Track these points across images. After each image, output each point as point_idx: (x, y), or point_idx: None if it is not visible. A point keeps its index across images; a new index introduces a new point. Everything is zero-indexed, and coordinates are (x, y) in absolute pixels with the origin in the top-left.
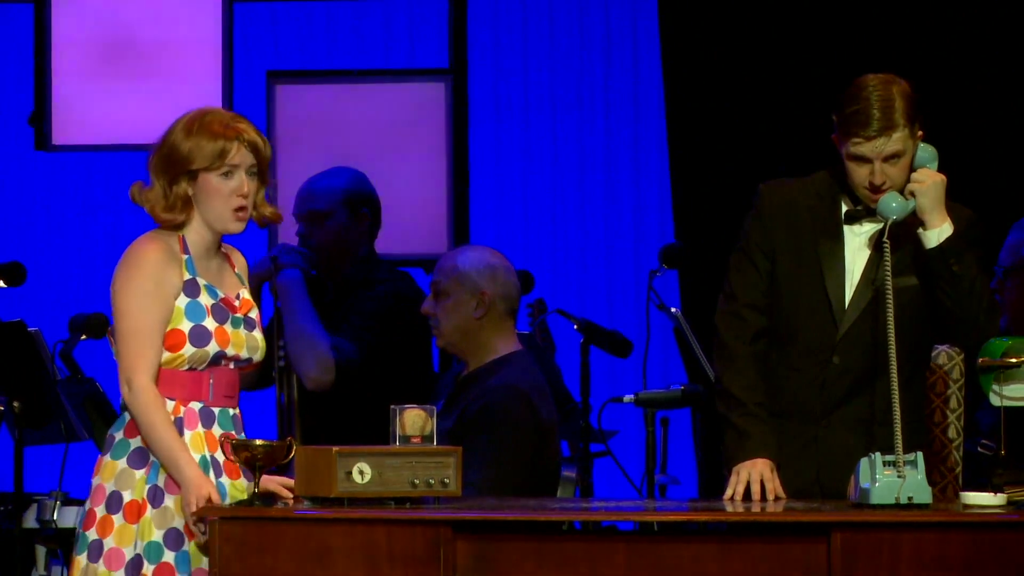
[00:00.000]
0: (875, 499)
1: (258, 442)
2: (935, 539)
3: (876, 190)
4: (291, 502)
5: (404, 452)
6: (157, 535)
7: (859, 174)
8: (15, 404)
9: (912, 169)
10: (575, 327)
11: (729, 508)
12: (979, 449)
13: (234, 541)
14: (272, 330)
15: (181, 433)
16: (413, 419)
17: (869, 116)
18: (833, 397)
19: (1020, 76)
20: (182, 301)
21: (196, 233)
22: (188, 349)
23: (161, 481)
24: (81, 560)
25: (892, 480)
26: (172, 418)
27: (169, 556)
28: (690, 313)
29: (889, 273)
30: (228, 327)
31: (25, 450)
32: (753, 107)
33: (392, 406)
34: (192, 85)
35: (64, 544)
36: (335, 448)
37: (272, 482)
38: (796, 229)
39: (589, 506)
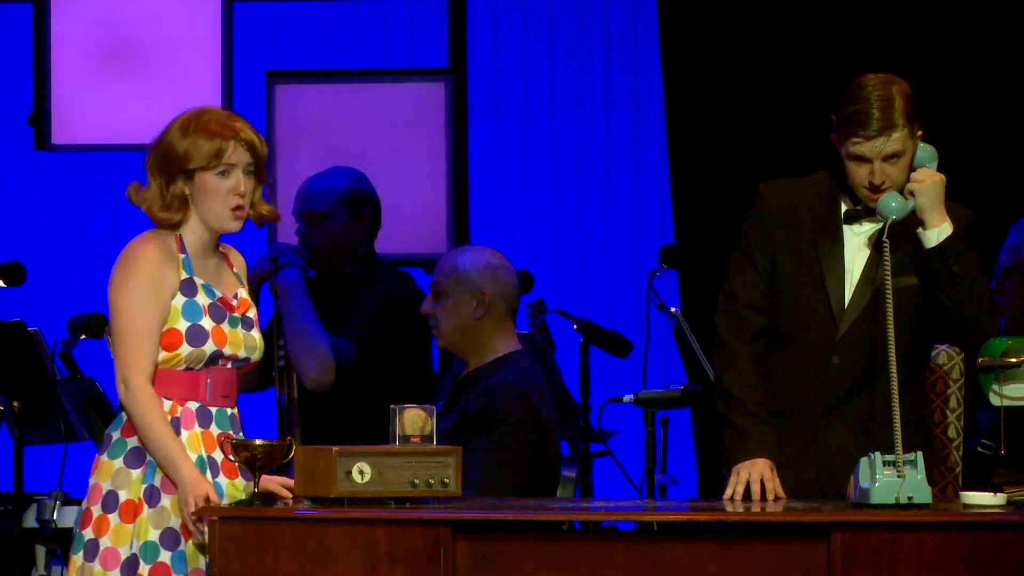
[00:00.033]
0: (875, 499)
1: (258, 442)
2: (935, 539)
3: (876, 190)
4: (291, 502)
5: (404, 452)
6: (153, 535)
7: (859, 174)
8: (15, 404)
9: (912, 169)
10: (575, 327)
11: (729, 508)
12: (979, 449)
13: (234, 541)
14: (272, 330)
15: (178, 433)
16: (413, 419)
17: (869, 116)
18: (833, 397)
19: (1020, 76)
20: (179, 300)
21: (193, 232)
22: (185, 348)
23: (158, 481)
24: (77, 559)
25: (892, 480)
26: (169, 418)
27: (165, 556)
28: (690, 313)
29: (889, 273)
30: (225, 326)
31: (25, 450)
32: (753, 107)
33: (392, 406)
34: (192, 85)
35: (64, 544)
36: (335, 448)
37: (272, 482)
38: (796, 229)
39: (589, 506)
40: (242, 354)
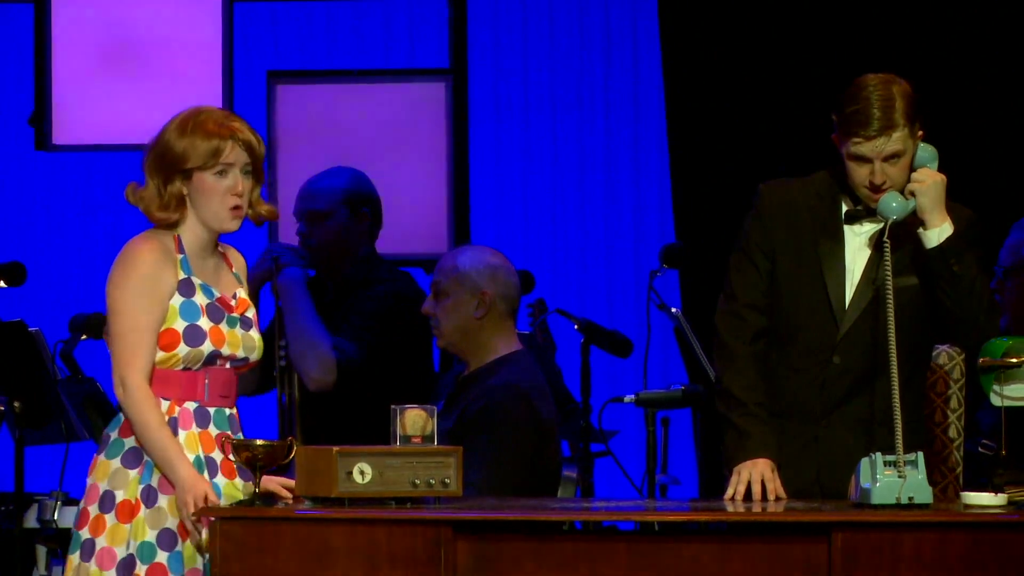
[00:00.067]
0: (876, 499)
1: (259, 442)
2: (936, 539)
3: (876, 190)
4: (291, 502)
5: (405, 452)
6: (150, 535)
7: (859, 174)
8: (15, 404)
9: (912, 169)
10: (575, 327)
11: (730, 508)
12: (980, 449)
13: (234, 541)
14: (273, 330)
15: (176, 433)
16: (414, 419)
17: (869, 116)
18: (833, 397)
19: (1020, 76)
20: (177, 300)
21: (192, 232)
22: (182, 348)
23: (155, 481)
24: (74, 559)
25: (893, 480)
26: (167, 418)
27: (162, 556)
28: (690, 313)
29: (889, 273)
30: (223, 326)
31: (26, 450)
32: (753, 107)
33: (393, 406)
34: (192, 85)
35: (64, 544)
36: (336, 448)
37: (272, 482)
38: (796, 229)
39: (590, 506)
40: (240, 354)
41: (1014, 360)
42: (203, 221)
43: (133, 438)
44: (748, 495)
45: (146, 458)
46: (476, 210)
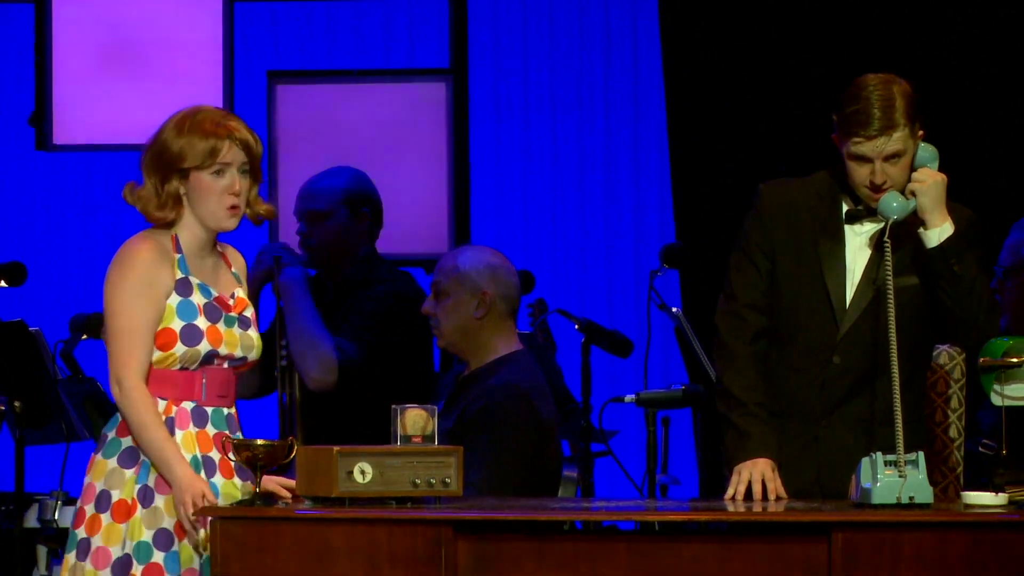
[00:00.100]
0: (876, 499)
1: (259, 442)
2: (936, 539)
3: (877, 189)
4: (290, 502)
5: (405, 452)
6: (147, 535)
7: (860, 174)
8: (16, 404)
9: (913, 169)
10: (576, 327)
11: (730, 508)
12: (980, 449)
13: (235, 541)
14: (275, 330)
15: (172, 433)
16: (414, 419)
17: (870, 115)
18: (833, 397)
19: (1020, 76)
20: (174, 300)
21: (189, 231)
22: (179, 348)
23: (151, 481)
24: (71, 558)
25: (893, 480)
26: (164, 418)
27: (158, 556)
28: (691, 313)
29: (890, 273)
30: (221, 326)
31: (26, 450)
32: (753, 107)
33: (393, 406)
34: (192, 85)
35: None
36: (336, 448)
37: (271, 482)
38: (796, 229)
39: (590, 506)
40: (238, 353)
41: (1014, 360)
42: (201, 220)
43: (130, 438)
44: (748, 495)
45: (143, 458)
46: (476, 210)
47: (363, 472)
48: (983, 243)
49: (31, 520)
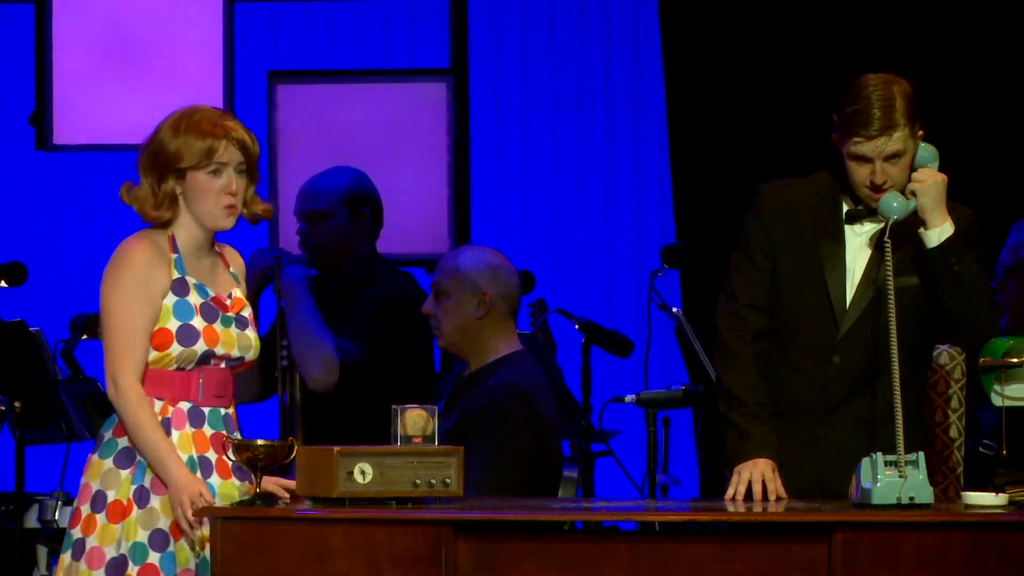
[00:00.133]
0: (877, 499)
1: (260, 442)
2: (936, 539)
3: (877, 189)
4: (289, 502)
5: (406, 452)
6: (142, 536)
7: (860, 173)
8: (16, 404)
9: (913, 169)
10: (576, 327)
11: (730, 508)
12: (980, 449)
13: (235, 541)
14: (275, 332)
15: (168, 433)
16: (415, 419)
17: (870, 115)
18: (833, 397)
19: (1020, 76)
20: (170, 300)
21: (186, 231)
22: (175, 348)
23: (147, 482)
24: (66, 558)
25: (894, 480)
26: (160, 418)
27: (154, 557)
28: (691, 313)
29: (890, 273)
30: (218, 326)
31: (26, 450)
32: (753, 107)
33: (394, 406)
34: (193, 85)
35: None
36: (336, 448)
37: (270, 483)
38: (796, 229)
39: (590, 506)
40: (235, 353)
41: (1015, 360)
42: (197, 220)
43: (127, 438)
44: (749, 495)
45: (139, 458)
46: (476, 210)
47: (363, 472)
48: (983, 243)
49: (31, 520)
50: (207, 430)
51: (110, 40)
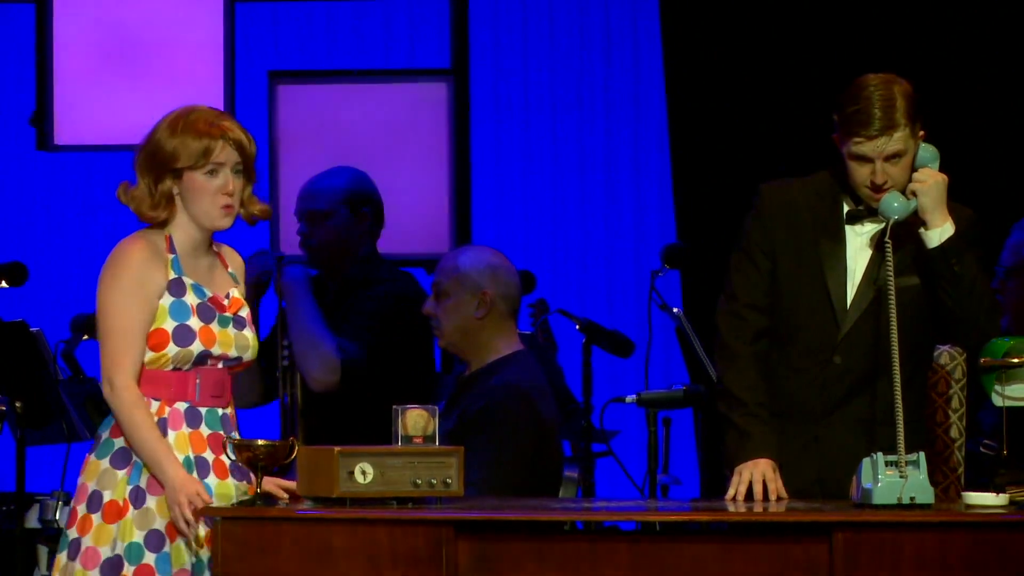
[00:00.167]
0: (877, 499)
1: (260, 442)
2: (937, 539)
3: (877, 190)
4: (288, 502)
5: (406, 452)
6: (138, 536)
7: (860, 174)
8: (17, 404)
9: (913, 169)
10: (577, 327)
11: (731, 508)
12: (981, 449)
13: (236, 541)
14: (277, 331)
15: (165, 434)
16: (415, 419)
17: (870, 115)
18: (834, 397)
19: (1020, 76)
20: (166, 300)
21: (183, 231)
22: (172, 348)
23: (143, 482)
24: (62, 558)
25: (894, 480)
26: (156, 419)
27: (150, 557)
28: (692, 313)
29: (891, 273)
30: (215, 326)
31: (27, 450)
32: (753, 107)
33: (394, 406)
34: (193, 85)
35: None
36: (337, 448)
37: (269, 483)
38: (797, 229)
39: (591, 506)
40: (233, 354)
41: (1015, 360)
42: (194, 220)
43: (123, 439)
44: (749, 495)
45: (135, 459)
46: (477, 210)
47: (364, 472)
48: (984, 243)
49: (32, 520)
50: (204, 430)
51: (111, 40)
